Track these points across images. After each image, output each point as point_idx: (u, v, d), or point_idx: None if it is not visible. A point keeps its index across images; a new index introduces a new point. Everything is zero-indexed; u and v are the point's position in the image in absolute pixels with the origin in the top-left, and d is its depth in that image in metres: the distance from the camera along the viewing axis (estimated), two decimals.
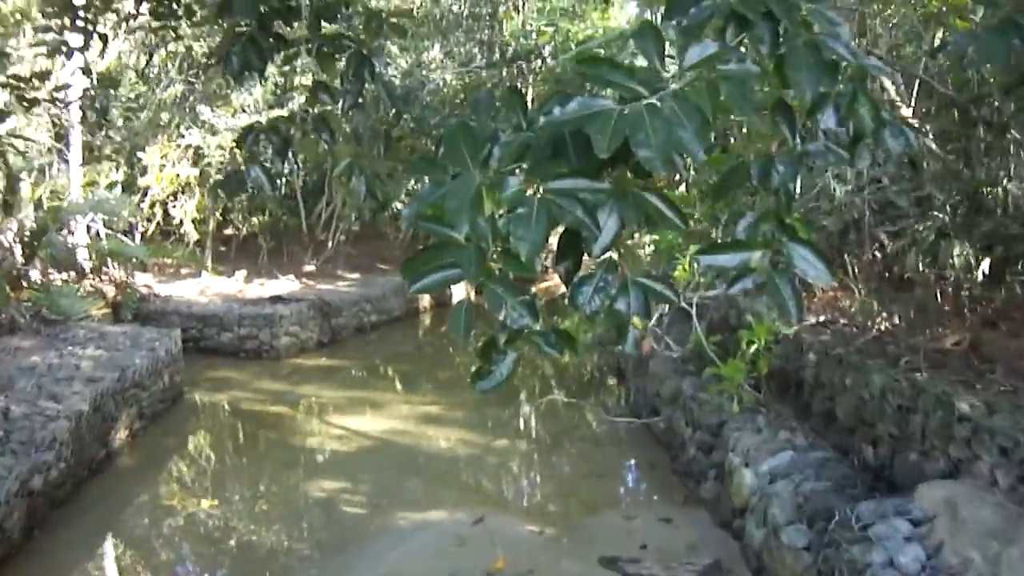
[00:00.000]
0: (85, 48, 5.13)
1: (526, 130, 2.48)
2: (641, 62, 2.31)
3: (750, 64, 2.29)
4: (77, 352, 10.42)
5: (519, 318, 2.14)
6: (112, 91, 17.36)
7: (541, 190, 2.21)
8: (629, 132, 2.02)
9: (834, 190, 8.84)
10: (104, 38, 5.12)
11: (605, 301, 2.49)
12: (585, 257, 2.51)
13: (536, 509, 7.93)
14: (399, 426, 10.55)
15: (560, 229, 2.33)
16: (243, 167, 3.95)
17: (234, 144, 16.90)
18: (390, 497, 8.09)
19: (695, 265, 9.79)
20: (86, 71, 6.57)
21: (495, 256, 2.23)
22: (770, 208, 2.68)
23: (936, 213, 8.03)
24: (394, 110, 4.30)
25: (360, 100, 4.21)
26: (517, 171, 2.38)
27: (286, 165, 4.19)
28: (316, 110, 4.28)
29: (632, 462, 9.40)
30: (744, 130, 8.99)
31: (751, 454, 6.81)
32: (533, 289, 3.04)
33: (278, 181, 17.70)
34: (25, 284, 12.65)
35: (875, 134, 2.74)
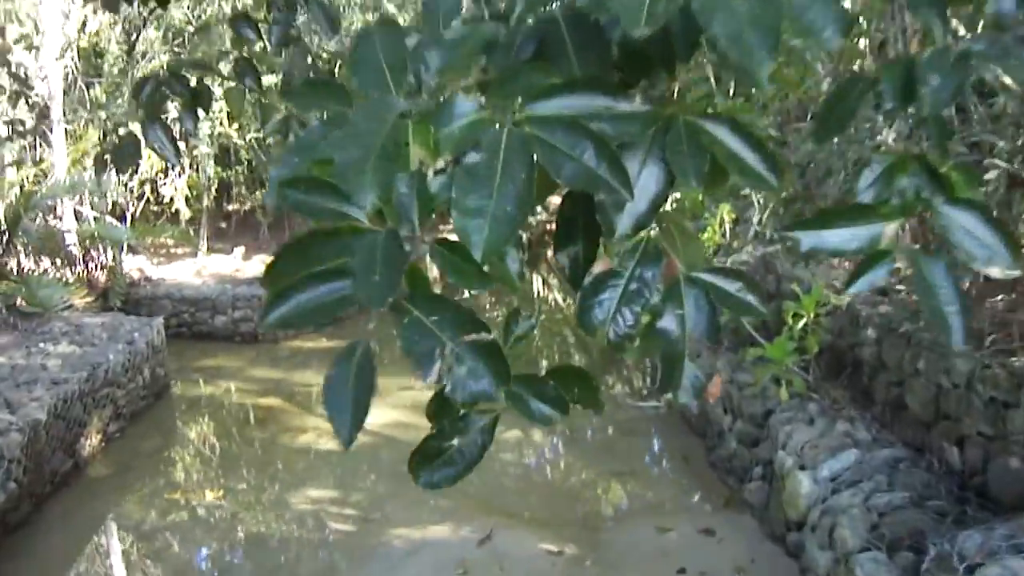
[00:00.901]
0: None
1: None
2: None
3: None
4: (48, 349, 9.46)
5: (467, 380, 1.06)
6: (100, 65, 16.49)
7: (515, 119, 1.13)
8: None
9: (881, 134, 7.56)
10: None
11: (642, 317, 1.43)
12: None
13: (553, 520, 6.83)
14: (401, 417, 9.50)
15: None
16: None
17: (226, 115, 16.06)
18: (384, 509, 7.06)
19: (722, 223, 8.67)
20: None
21: (428, 251, 1.19)
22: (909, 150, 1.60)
23: (998, 161, 6.91)
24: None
25: (293, 33, 3.15)
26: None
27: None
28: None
29: (663, 456, 8.34)
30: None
31: (806, 453, 5.75)
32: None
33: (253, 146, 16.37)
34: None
35: None
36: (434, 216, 1.21)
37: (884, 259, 1.44)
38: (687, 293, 1.40)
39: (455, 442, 1.36)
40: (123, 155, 2.88)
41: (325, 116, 1.44)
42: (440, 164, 1.18)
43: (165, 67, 3.16)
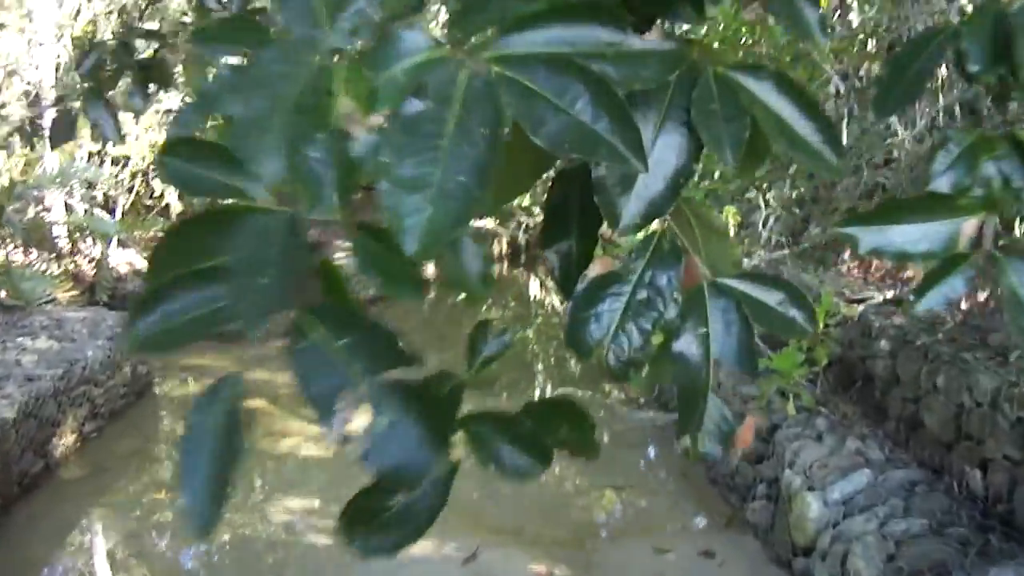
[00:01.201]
0: None
1: None
2: None
3: None
4: (25, 344, 9.12)
5: (388, 440, 0.71)
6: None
7: (483, 60, 0.77)
8: None
9: (896, 134, 7.16)
10: None
11: (653, 336, 1.08)
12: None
13: (543, 538, 6.43)
14: None
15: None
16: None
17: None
18: None
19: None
20: None
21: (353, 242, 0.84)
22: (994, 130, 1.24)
23: None
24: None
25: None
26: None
27: None
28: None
29: (661, 470, 7.98)
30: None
31: (815, 472, 5.40)
32: None
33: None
34: None
35: None
36: None
37: (962, 265, 1.12)
38: (713, 306, 1.05)
39: (398, 499, 1.01)
40: (58, 131, 2.54)
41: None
42: (378, 121, 0.84)
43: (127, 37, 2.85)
